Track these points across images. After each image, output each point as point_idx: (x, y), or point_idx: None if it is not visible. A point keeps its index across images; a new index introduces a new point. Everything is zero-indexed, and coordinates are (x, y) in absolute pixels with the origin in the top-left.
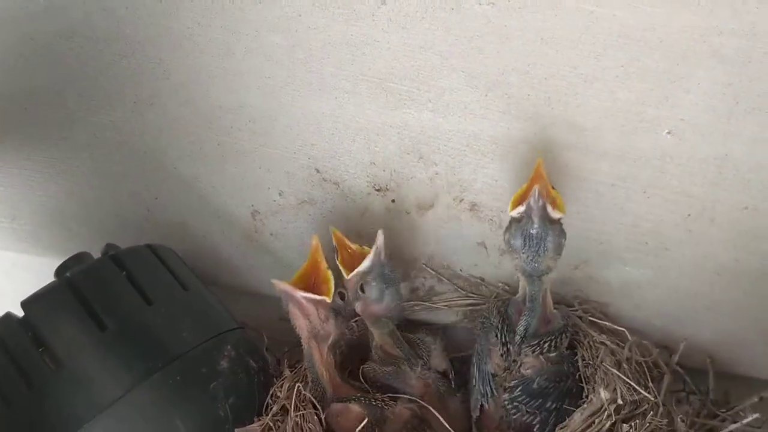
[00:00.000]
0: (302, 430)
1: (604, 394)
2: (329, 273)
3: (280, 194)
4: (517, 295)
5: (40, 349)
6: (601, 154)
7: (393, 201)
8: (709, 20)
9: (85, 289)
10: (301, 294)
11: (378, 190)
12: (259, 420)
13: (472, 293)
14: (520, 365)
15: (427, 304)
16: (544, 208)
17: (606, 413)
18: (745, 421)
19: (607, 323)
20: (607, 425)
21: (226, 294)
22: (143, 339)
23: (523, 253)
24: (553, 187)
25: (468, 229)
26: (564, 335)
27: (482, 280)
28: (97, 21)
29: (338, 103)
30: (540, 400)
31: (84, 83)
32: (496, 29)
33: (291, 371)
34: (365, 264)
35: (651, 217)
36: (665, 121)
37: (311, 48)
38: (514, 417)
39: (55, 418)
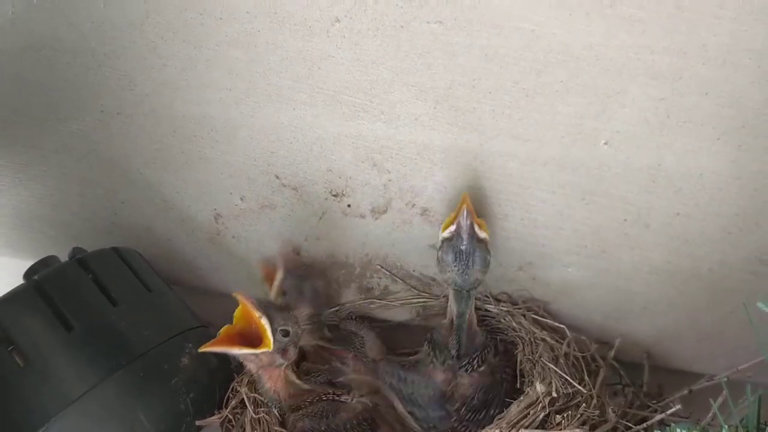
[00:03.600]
0: (260, 422)
1: (539, 388)
2: (263, 321)
3: (241, 199)
4: (444, 321)
5: (9, 348)
6: (543, 163)
7: (349, 206)
8: (643, 39)
9: (52, 292)
10: (241, 352)
11: (335, 196)
12: (219, 413)
13: (424, 292)
14: (458, 387)
15: (382, 302)
16: (471, 226)
17: (540, 405)
18: (670, 411)
19: (548, 321)
20: (541, 416)
21: (191, 294)
22: (108, 338)
23: (455, 266)
24: (478, 216)
25: (419, 232)
26: (487, 349)
27: (433, 279)
28: (63, 35)
29: (296, 114)
30: (483, 411)
31: (52, 94)
32: (444, 46)
33: None
34: (278, 278)
35: (590, 222)
36: (602, 132)
37: (269, 62)
38: None
39: (23, 413)
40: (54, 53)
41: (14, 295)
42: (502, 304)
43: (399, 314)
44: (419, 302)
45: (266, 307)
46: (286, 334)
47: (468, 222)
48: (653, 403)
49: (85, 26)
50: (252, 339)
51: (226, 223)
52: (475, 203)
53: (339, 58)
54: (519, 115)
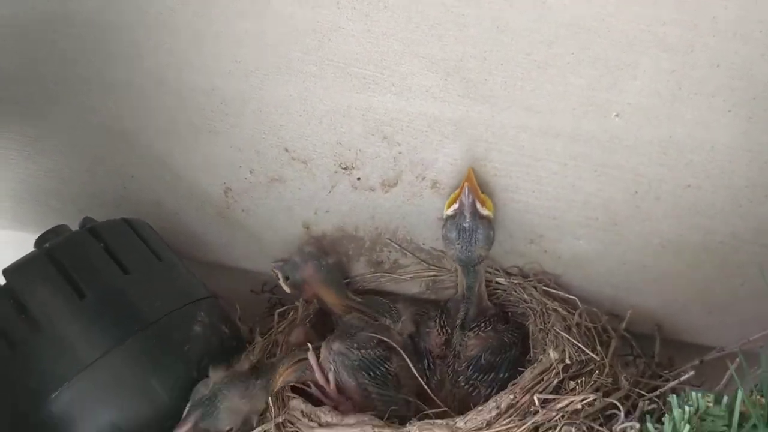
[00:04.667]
0: (278, 398)
1: (552, 354)
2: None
3: (251, 172)
4: (456, 294)
5: (22, 315)
6: (554, 135)
7: (358, 179)
8: (654, 10)
9: (63, 259)
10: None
11: (344, 169)
12: None
13: (434, 265)
14: (466, 348)
15: (392, 275)
16: (473, 204)
17: (554, 371)
18: (682, 378)
19: (559, 292)
20: (555, 382)
21: (200, 269)
22: (120, 305)
23: (458, 243)
24: (482, 192)
25: (430, 205)
26: (496, 317)
27: (443, 252)
28: (75, 7)
29: (306, 87)
30: (492, 374)
31: (62, 66)
32: (455, 18)
33: (262, 338)
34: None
35: (601, 194)
36: (614, 105)
37: (279, 34)
38: (473, 395)
39: (36, 379)
40: (65, 26)
41: (26, 263)
42: (512, 277)
43: (409, 287)
44: (429, 275)
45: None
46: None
47: (470, 200)
48: (665, 373)
49: None
50: None
51: (235, 197)
52: (485, 176)
53: (349, 29)
54: (530, 87)
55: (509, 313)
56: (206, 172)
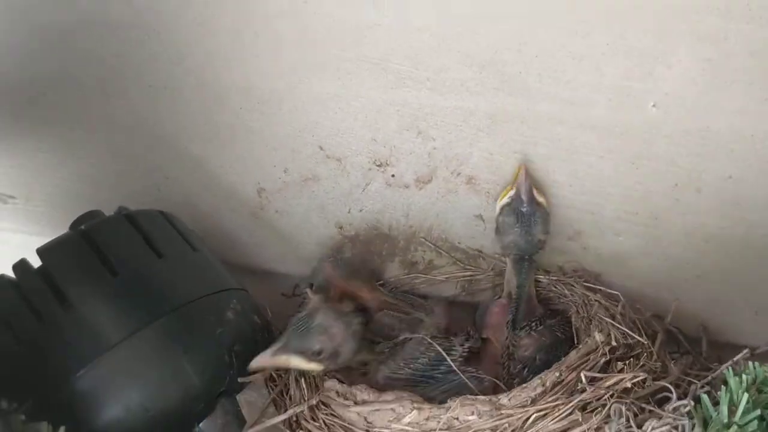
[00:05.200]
0: (305, 378)
1: (598, 337)
2: (292, 362)
3: (285, 172)
4: (502, 295)
5: (53, 292)
6: (590, 127)
7: (393, 176)
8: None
9: (98, 240)
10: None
11: (378, 166)
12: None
13: (470, 266)
14: (518, 348)
15: (426, 276)
16: (531, 189)
17: (600, 352)
18: (739, 356)
19: (600, 287)
20: (602, 361)
21: (232, 272)
22: (153, 286)
23: (517, 227)
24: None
25: (465, 201)
26: (545, 317)
27: (480, 252)
28: (116, 9)
29: (341, 83)
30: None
31: (101, 69)
32: (488, 10)
33: None
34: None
35: (640, 187)
36: (650, 95)
37: (316, 32)
38: None
39: (65, 355)
40: (104, 28)
41: (60, 242)
42: (551, 274)
43: (444, 289)
44: (465, 276)
45: (287, 346)
46: (319, 352)
47: (527, 184)
48: (714, 366)
49: (138, 1)
50: None
51: (269, 197)
52: None
53: (385, 25)
54: (566, 79)
55: (554, 310)
56: (241, 172)
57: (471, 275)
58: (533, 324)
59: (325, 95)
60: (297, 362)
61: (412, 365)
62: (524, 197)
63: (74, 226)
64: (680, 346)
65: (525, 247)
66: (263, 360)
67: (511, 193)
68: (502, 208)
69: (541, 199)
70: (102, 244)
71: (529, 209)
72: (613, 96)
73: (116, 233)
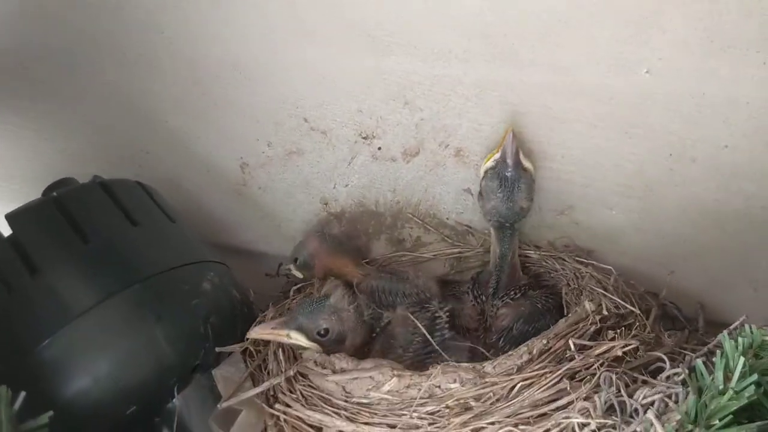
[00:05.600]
0: (284, 351)
1: (588, 305)
2: (293, 338)
3: (268, 145)
4: (489, 266)
5: (23, 260)
6: (581, 94)
7: (379, 148)
8: None
9: (70, 207)
10: (292, 342)
11: (365, 138)
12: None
13: (459, 242)
14: (496, 318)
15: (414, 254)
16: (517, 153)
17: (590, 320)
18: (737, 323)
19: (592, 262)
20: (592, 329)
21: (215, 252)
22: (126, 253)
23: (499, 193)
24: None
25: (453, 175)
26: (527, 286)
27: (469, 227)
28: None
29: (326, 51)
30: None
31: (78, 39)
32: None
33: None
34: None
35: (633, 157)
36: (643, 60)
37: None
38: None
39: (33, 324)
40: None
41: (31, 207)
42: (542, 250)
43: (432, 268)
44: (454, 253)
45: (291, 322)
46: (325, 332)
47: (513, 147)
48: (711, 340)
49: None
50: None
51: (252, 173)
52: None
53: None
54: (555, 44)
55: (543, 284)
56: (222, 146)
57: (459, 252)
58: (511, 293)
59: (307, 64)
60: (297, 338)
61: (411, 349)
62: (509, 161)
63: (46, 192)
64: (676, 323)
65: (506, 214)
66: (262, 331)
67: (497, 156)
68: (486, 172)
69: (527, 165)
70: (74, 212)
71: (513, 174)
72: (604, 62)
73: (90, 201)
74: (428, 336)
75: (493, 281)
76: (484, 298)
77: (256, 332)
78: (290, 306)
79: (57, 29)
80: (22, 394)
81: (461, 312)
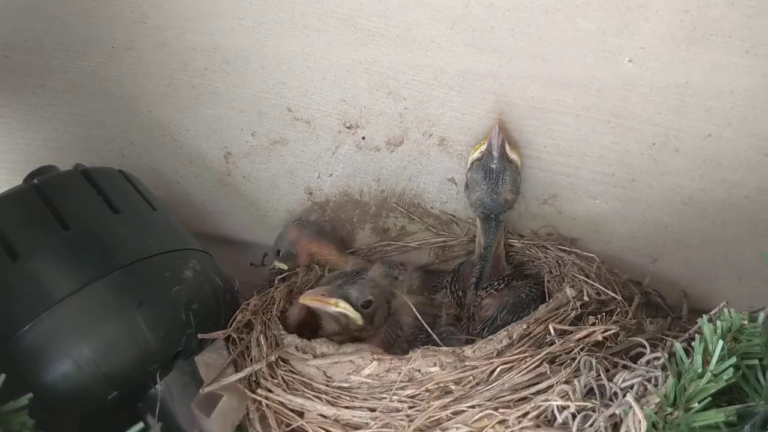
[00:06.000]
0: (267, 337)
1: (569, 291)
2: (341, 307)
3: (252, 135)
4: (472, 257)
5: (3, 246)
6: (565, 84)
7: (363, 138)
8: None
9: (51, 194)
10: (339, 310)
11: (348, 128)
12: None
13: (443, 232)
14: (480, 308)
15: (399, 243)
16: (503, 145)
17: (571, 306)
18: (717, 308)
19: (576, 250)
20: (573, 315)
21: (199, 241)
22: (107, 240)
23: (484, 184)
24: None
25: (437, 164)
26: (511, 276)
27: (453, 216)
28: None
29: (309, 41)
30: None
31: (63, 29)
32: None
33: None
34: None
35: (617, 147)
36: (626, 49)
37: None
38: None
39: (13, 310)
40: None
41: (11, 194)
42: (526, 239)
43: (417, 257)
44: (438, 242)
45: (337, 291)
46: (368, 304)
47: (500, 140)
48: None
49: None
50: None
51: (236, 162)
52: None
53: None
54: (538, 34)
55: (526, 277)
56: (207, 136)
57: (444, 241)
58: (495, 283)
59: (292, 54)
60: (345, 307)
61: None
62: (495, 153)
63: (27, 180)
64: (660, 312)
65: (491, 206)
66: (313, 297)
67: (483, 147)
68: (473, 163)
69: (513, 157)
70: (55, 198)
71: (498, 166)
72: (587, 51)
73: (70, 188)
74: (429, 329)
75: (477, 271)
76: (461, 292)
77: (307, 297)
78: (273, 295)
79: (45, 21)
80: (2, 377)
81: (440, 306)
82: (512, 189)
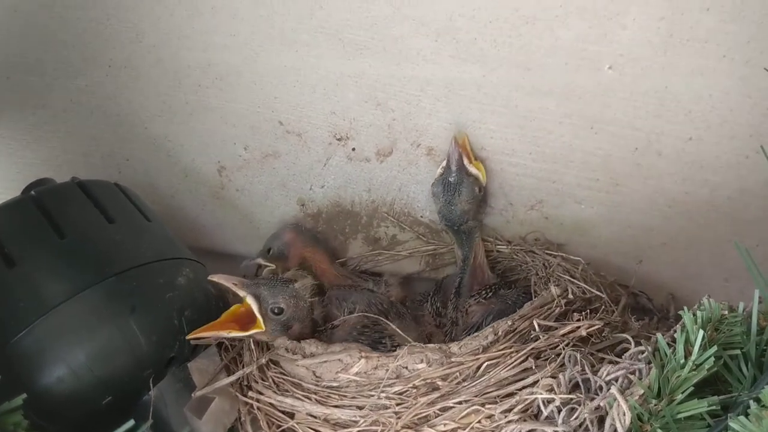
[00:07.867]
0: (258, 342)
1: (554, 290)
2: (248, 301)
3: (245, 149)
4: (456, 271)
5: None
6: (547, 92)
7: (353, 149)
8: None
9: (48, 204)
10: (230, 335)
11: (339, 140)
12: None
13: (433, 240)
14: (466, 315)
15: (390, 252)
16: (460, 159)
17: (556, 303)
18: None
19: (562, 254)
20: (557, 311)
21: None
22: (101, 247)
23: (442, 197)
24: (475, 158)
25: (426, 173)
26: (497, 285)
27: None
28: None
29: (299, 56)
30: None
31: (62, 50)
32: None
33: None
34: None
35: (600, 152)
36: (606, 57)
37: (273, 4)
38: None
39: (12, 313)
40: (65, 9)
41: (8, 204)
42: (513, 244)
43: (407, 266)
44: (428, 250)
45: (252, 286)
46: (279, 311)
47: (456, 154)
48: None
49: None
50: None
51: (230, 176)
52: (481, 139)
53: None
54: (520, 43)
55: (514, 283)
56: (201, 151)
57: (434, 249)
58: (483, 292)
59: (282, 69)
60: (250, 302)
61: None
62: (453, 167)
63: (25, 191)
64: (647, 314)
65: (450, 217)
66: (223, 277)
67: (443, 163)
68: (436, 178)
69: (473, 170)
70: (51, 208)
71: (456, 178)
72: (568, 59)
73: (67, 199)
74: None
75: (456, 282)
76: (439, 304)
77: (219, 276)
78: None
79: (44, 42)
80: None
81: (422, 318)
82: (468, 199)
